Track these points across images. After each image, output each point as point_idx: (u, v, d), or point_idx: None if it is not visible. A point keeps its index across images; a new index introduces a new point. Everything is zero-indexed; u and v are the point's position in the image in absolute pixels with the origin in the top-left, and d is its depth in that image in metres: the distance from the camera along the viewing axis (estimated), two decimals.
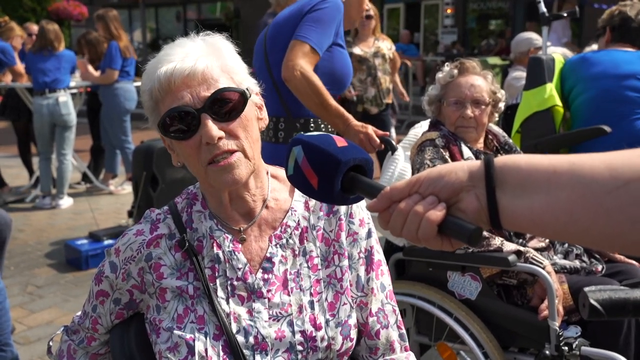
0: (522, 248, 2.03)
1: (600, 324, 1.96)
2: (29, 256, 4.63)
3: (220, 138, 1.16)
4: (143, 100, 1.23)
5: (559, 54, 3.29)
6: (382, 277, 1.34)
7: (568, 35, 8.05)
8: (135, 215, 4.69)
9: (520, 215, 0.72)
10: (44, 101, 5.80)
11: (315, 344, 1.22)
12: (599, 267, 2.17)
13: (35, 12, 19.01)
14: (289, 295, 1.25)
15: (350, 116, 2.35)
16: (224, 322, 1.20)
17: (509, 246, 2.02)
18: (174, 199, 1.34)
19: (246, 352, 1.19)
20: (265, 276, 1.25)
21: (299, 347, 1.22)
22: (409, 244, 2.23)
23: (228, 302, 1.22)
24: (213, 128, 1.14)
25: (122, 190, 6.55)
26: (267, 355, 1.20)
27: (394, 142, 2.41)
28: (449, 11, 17.08)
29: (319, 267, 1.29)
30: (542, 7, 3.30)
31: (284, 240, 1.28)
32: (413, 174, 2.31)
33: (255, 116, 1.25)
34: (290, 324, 1.23)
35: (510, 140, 2.45)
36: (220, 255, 1.24)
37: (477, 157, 2.24)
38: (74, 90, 6.41)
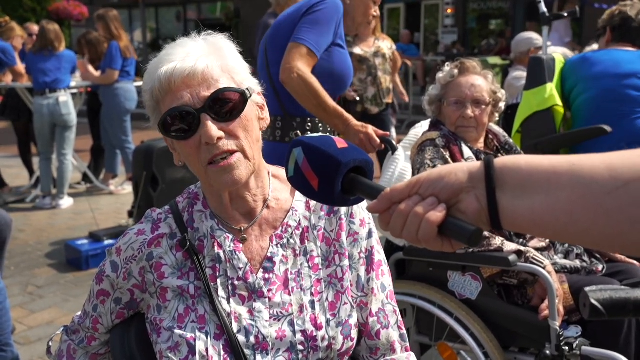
0: (522, 248, 2.03)
1: (601, 324, 1.96)
2: (29, 256, 4.64)
3: (219, 138, 1.16)
4: (144, 100, 1.23)
5: (559, 54, 3.29)
6: (383, 277, 1.34)
7: (569, 35, 8.05)
8: (135, 216, 4.69)
9: (520, 216, 0.72)
10: (44, 101, 5.80)
11: (316, 344, 1.22)
12: (600, 267, 2.17)
13: (36, 12, 19.01)
14: (289, 295, 1.25)
15: (349, 116, 2.35)
16: (224, 321, 1.20)
17: (510, 246, 2.02)
18: (175, 199, 1.34)
19: (247, 351, 1.20)
20: (266, 276, 1.25)
21: (300, 347, 1.22)
22: (409, 244, 2.23)
23: (229, 302, 1.23)
24: (212, 128, 1.15)
25: (123, 190, 6.55)
26: (267, 354, 1.20)
27: (394, 142, 2.41)
28: (449, 11, 17.08)
29: (320, 266, 1.29)
30: (543, 7, 3.30)
31: (285, 240, 1.28)
32: (413, 174, 2.31)
33: (256, 116, 1.25)
34: (291, 324, 1.23)
35: (511, 140, 2.45)
36: (221, 254, 1.25)
37: (477, 157, 2.25)
38: (74, 90, 6.42)
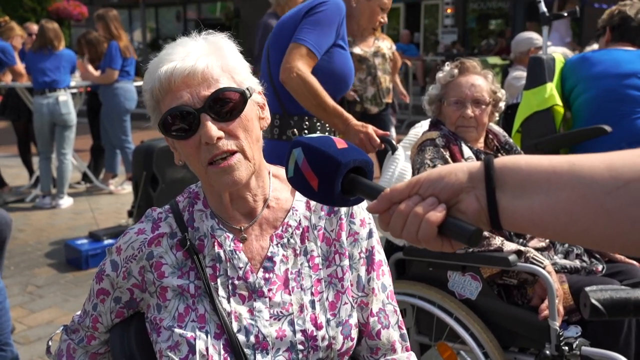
0: (522, 248, 2.03)
1: (601, 324, 1.96)
2: (29, 256, 4.64)
3: (219, 138, 1.16)
4: (145, 99, 1.23)
5: (559, 54, 3.29)
6: (383, 277, 1.34)
7: (570, 35, 8.05)
8: (135, 215, 4.69)
9: (520, 215, 0.72)
10: (44, 100, 5.80)
11: (316, 344, 1.22)
12: (600, 267, 2.17)
13: (36, 12, 19.00)
14: (289, 294, 1.25)
15: (349, 116, 2.36)
16: (224, 321, 1.20)
17: (510, 246, 2.02)
18: (175, 198, 1.34)
19: (247, 351, 1.20)
20: (266, 275, 1.25)
21: (300, 347, 1.22)
22: (409, 244, 2.23)
23: (229, 301, 1.23)
24: (212, 128, 1.14)
25: (122, 190, 6.55)
26: (268, 354, 1.20)
27: (394, 142, 2.41)
28: (449, 11, 17.08)
29: (320, 266, 1.29)
30: (543, 7, 3.30)
31: (285, 240, 1.28)
32: (413, 173, 2.31)
33: (256, 115, 1.25)
34: (291, 323, 1.23)
35: (511, 140, 2.45)
36: (222, 254, 1.25)
37: (477, 157, 2.25)
38: (74, 90, 6.41)
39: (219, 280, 1.24)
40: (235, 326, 1.21)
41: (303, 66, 2.24)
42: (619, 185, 0.66)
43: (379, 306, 1.32)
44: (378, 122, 4.77)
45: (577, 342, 1.91)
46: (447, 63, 2.42)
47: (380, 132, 2.35)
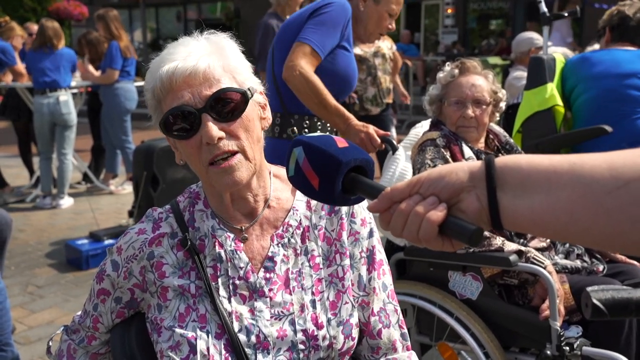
0: (523, 248, 2.03)
1: (602, 324, 1.96)
2: (30, 256, 4.64)
3: (220, 138, 1.16)
4: (146, 99, 1.23)
5: (559, 54, 3.29)
6: (384, 276, 1.34)
7: (571, 35, 8.05)
8: (135, 215, 4.69)
9: (520, 215, 0.72)
10: (44, 100, 5.80)
11: (316, 343, 1.22)
12: (600, 267, 2.17)
13: (36, 12, 19.00)
14: (290, 294, 1.25)
15: (351, 115, 2.36)
16: (225, 321, 1.20)
17: (510, 246, 2.02)
18: (176, 198, 1.34)
19: (248, 350, 1.20)
20: (267, 275, 1.25)
21: (301, 346, 1.22)
22: (410, 244, 2.23)
23: (230, 301, 1.23)
24: (213, 128, 1.15)
25: (123, 190, 6.55)
26: (269, 354, 1.21)
27: (394, 142, 2.41)
28: (449, 11, 17.07)
29: (321, 266, 1.29)
30: (543, 7, 3.30)
31: (286, 240, 1.28)
32: (414, 173, 2.31)
33: (257, 116, 1.25)
34: (292, 323, 1.23)
35: (511, 140, 2.45)
36: (222, 254, 1.25)
37: (478, 157, 2.24)
38: (75, 90, 6.42)
39: (219, 280, 1.24)
40: (236, 326, 1.21)
41: (306, 65, 2.24)
42: (619, 185, 0.66)
43: (379, 305, 1.32)
44: (378, 122, 4.76)
45: (578, 342, 1.91)
46: (447, 63, 2.42)
47: (381, 132, 2.35)
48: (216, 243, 1.25)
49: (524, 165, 0.73)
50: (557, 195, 0.69)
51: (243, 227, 1.28)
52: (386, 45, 5.26)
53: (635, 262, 2.23)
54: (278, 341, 1.21)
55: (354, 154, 0.87)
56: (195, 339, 1.19)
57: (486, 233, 2.02)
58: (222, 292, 1.23)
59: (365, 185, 0.85)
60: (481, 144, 2.37)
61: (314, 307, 1.25)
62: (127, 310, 1.32)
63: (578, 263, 2.17)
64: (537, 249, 2.11)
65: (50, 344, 1.46)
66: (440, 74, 2.40)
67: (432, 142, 2.26)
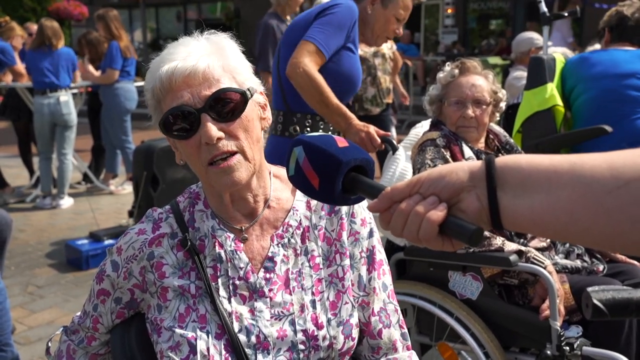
0: (523, 248, 2.03)
1: (602, 324, 1.96)
2: (30, 256, 4.64)
3: (219, 138, 1.16)
4: (146, 99, 1.23)
5: (559, 54, 3.29)
6: (384, 276, 1.34)
7: (571, 35, 8.05)
8: (135, 215, 4.69)
9: (521, 215, 0.72)
10: (44, 100, 5.80)
11: (317, 343, 1.22)
12: (600, 267, 2.17)
13: (36, 12, 18.99)
14: (290, 294, 1.25)
15: (352, 115, 2.36)
16: (225, 321, 1.20)
17: (510, 246, 2.02)
18: (175, 198, 1.34)
19: (248, 351, 1.20)
20: (267, 275, 1.25)
21: (301, 346, 1.22)
22: (410, 244, 2.23)
23: (230, 301, 1.23)
24: (212, 128, 1.15)
25: (123, 190, 6.55)
26: (269, 354, 1.20)
27: (394, 142, 2.41)
28: (449, 11, 17.07)
29: (321, 266, 1.29)
30: (543, 7, 3.30)
31: (286, 240, 1.28)
32: (414, 173, 2.31)
33: (257, 116, 1.25)
34: (292, 323, 1.23)
35: (512, 140, 2.45)
36: (222, 254, 1.25)
37: (478, 157, 2.24)
38: (75, 90, 6.42)
39: (219, 281, 1.24)
40: (236, 326, 1.21)
41: (310, 62, 2.25)
42: (619, 185, 0.66)
43: (380, 305, 1.32)
44: (378, 122, 4.77)
45: (578, 342, 1.91)
46: (447, 63, 2.42)
47: (381, 132, 2.35)
48: (216, 243, 1.25)
49: (524, 165, 0.73)
50: (557, 195, 0.69)
51: (243, 228, 1.28)
52: (386, 45, 5.25)
53: (635, 262, 2.23)
54: (278, 341, 1.21)
55: (354, 153, 0.87)
56: (195, 340, 1.19)
57: (486, 233, 2.02)
58: (222, 292, 1.23)
59: (366, 185, 0.85)
60: (481, 144, 2.37)
61: (314, 307, 1.25)
62: (127, 311, 1.32)
63: (578, 263, 2.17)
64: (537, 249, 2.11)
65: (50, 344, 1.45)
66: (440, 74, 2.40)
67: (432, 142, 2.26)
